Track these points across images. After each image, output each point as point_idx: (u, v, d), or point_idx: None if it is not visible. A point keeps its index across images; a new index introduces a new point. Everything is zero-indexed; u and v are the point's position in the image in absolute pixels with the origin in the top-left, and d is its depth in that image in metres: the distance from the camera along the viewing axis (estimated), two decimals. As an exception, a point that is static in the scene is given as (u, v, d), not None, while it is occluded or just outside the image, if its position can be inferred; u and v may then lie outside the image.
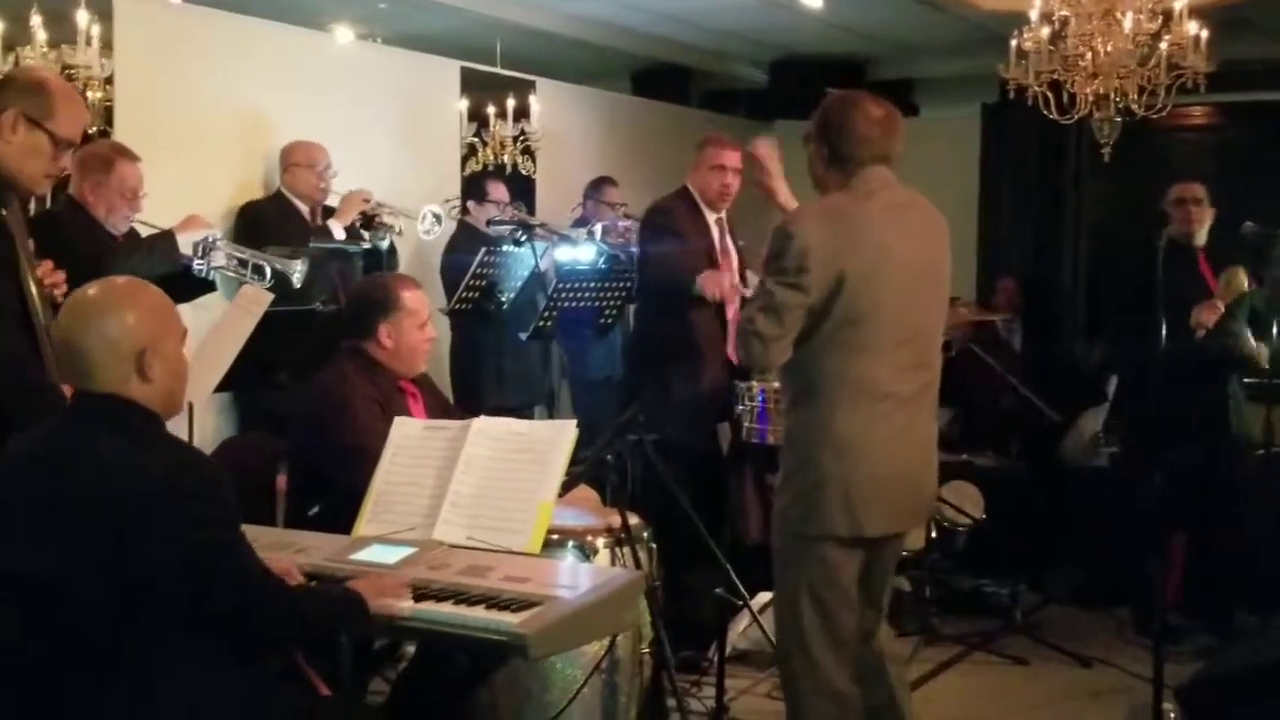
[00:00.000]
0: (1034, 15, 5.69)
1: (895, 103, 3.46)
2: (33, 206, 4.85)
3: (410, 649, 3.87)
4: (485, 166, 7.18)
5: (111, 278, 2.62)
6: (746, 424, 4.93)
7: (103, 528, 2.30)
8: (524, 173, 7.39)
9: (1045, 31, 5.69)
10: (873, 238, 3.21)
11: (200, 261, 4.56)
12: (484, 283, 5.82)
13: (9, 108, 3.04)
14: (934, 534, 5.46)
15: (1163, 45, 5.56)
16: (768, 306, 3.19)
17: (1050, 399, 5.79)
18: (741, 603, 4.36)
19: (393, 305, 3.82)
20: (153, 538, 2.30)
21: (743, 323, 3.26)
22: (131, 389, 2.44)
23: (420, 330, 3.87)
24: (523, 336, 5.77)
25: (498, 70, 7.54)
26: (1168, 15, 5.55)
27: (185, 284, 4.57)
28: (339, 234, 5.60)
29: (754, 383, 4.92)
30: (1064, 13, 5.67)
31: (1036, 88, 5.74)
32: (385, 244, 5.81)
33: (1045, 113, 5.82)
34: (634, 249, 6.17)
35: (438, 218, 5.90)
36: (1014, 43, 5.75)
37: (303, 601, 2.66)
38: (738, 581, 4.28)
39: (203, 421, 4.86)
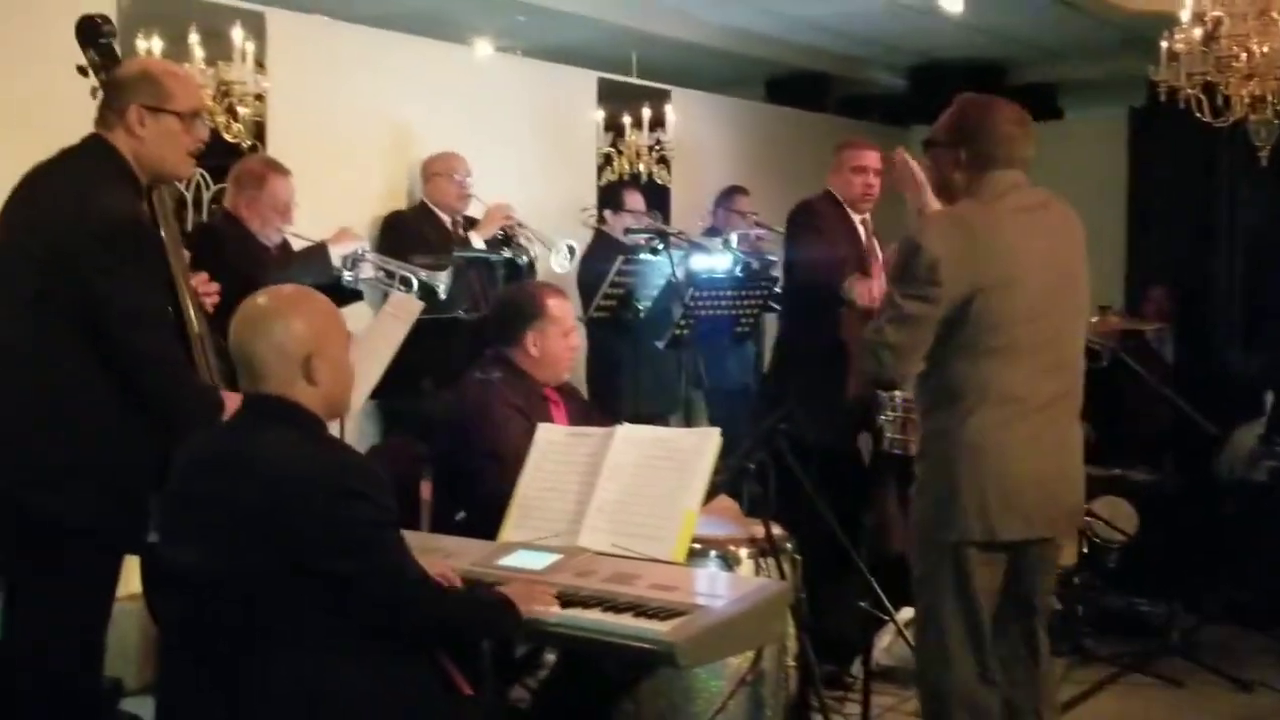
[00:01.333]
0: (1185, 16, 5.52)
1: (1039, 107, 3.40)
2: (189, 218, 5.03)
3: (550, 658, 3.88)
4: (621, 176, 7.22)
5: (279, 286, 2.69)
6: (889, 434, 4.85)
7: (270, 527, 2.36)
8: (659, 182, 7.40)
9: (1197, 33, 5.51)
10: (1004, 244, 3.15)
11: (350, 273, 4.66)
12: (621, 291, 5.83)
13: (129, 106, 3.10)
14: (1085, 550, 5.31)
15: (1323, 45, 5.36)
16: (897, 319, 3.14)
17: (1205, 411, 5.60)
18: (886, 617, 4.29)
19: (539, 313, 3.84)
20: (318, 534, 2.36)
21: (870, 334, 3.21)
22: (298, 392, 2.51)
23: (565, 338, 3.89)
24: (659, 345, 5.77)
25: (633, 80, 7.57)
26: (1328, 14, 5.34)
27: (335, 294, 4.64)
28: (479, 245, 5.66)
29: (897, 394, 4.84)
30: (1216, 13, 5.49)
31: (1189, 90, 5.57)
32: (524, 261, 5.86)
33: (1197, 116, 5.64)
34: (769, 257, 6.13)
35: (572, 250, 5.92)
36: (1164, 44, 5.58)
37: (456, 603, 2.71)
38: (882, 595, 4.21)
39: (348, 427, 4.94)
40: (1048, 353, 3.20)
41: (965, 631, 3.20)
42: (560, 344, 3.87)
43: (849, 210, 5.25)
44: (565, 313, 3.91)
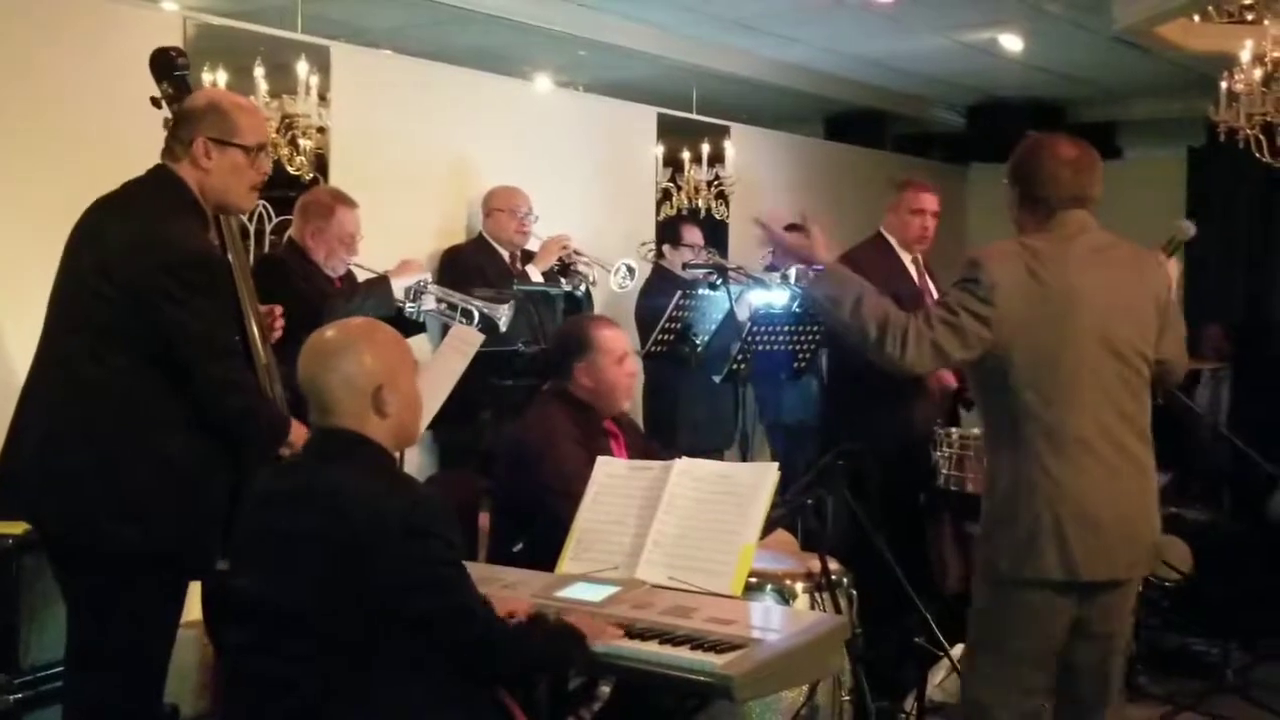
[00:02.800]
0: (1245, 57, 5.52)
1: (1097, 146, 3.38)
2: (251, 250, 5.10)
3: (605, 689, 3.90)
4: (679, 211, 7.25)
5: (348, 319, 2.73)
6: (945, 470, 4.85)
7: (342, 561, 2.38)
8: (717, 217, 7.45)
9: (1258, 73, 5.51)
10: (1064, 283, 3.15)
11: (412, 305, 4.71)
12: (679, 325, 5.85)
13: (196, 138, 3.14)
14: (1140, 589, 5.26)
15: (1381, 85, 5.35)
16: (951, 324, 3.14)
17: (1263, 450, 5.55)
18: (941, 653, 4.29)
19: (587, 345, 3.87)
20: (388, 571, 2.38)
21: (919, 324, 3.16)
22: (368, 425, 2.53)
23: (619, 366, 3.90)
24: (716, 379, 5.79)
25: (693, 116, 7.63)
26: (1385, 55, 5.33)
27: (398, 326, 4.69)
28: (537, 278, 5.72)
29: (954, 430, 4.85)
30: (1277, 54, 5.49)
31: (1248, 130, 5.56)
32: (581, 291, 5.91)
33: (1257, 156, 5.63)
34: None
35: (631, 270, 5.96)
36: (1224, 85, 5.58)
37: (527, 636, 2.70)
38: (937, 631, 4.21)
39: (406, 458, 4.99)
40: (1113, 392, 3.18)
41: (1011, 675, 3.21)
42: (614, 372, 3.89)
43: (900, 251, 5.28)
44: (616, 341, 3.93)
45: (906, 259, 5.30)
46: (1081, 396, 3.15)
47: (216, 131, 3.15)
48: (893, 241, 5.30)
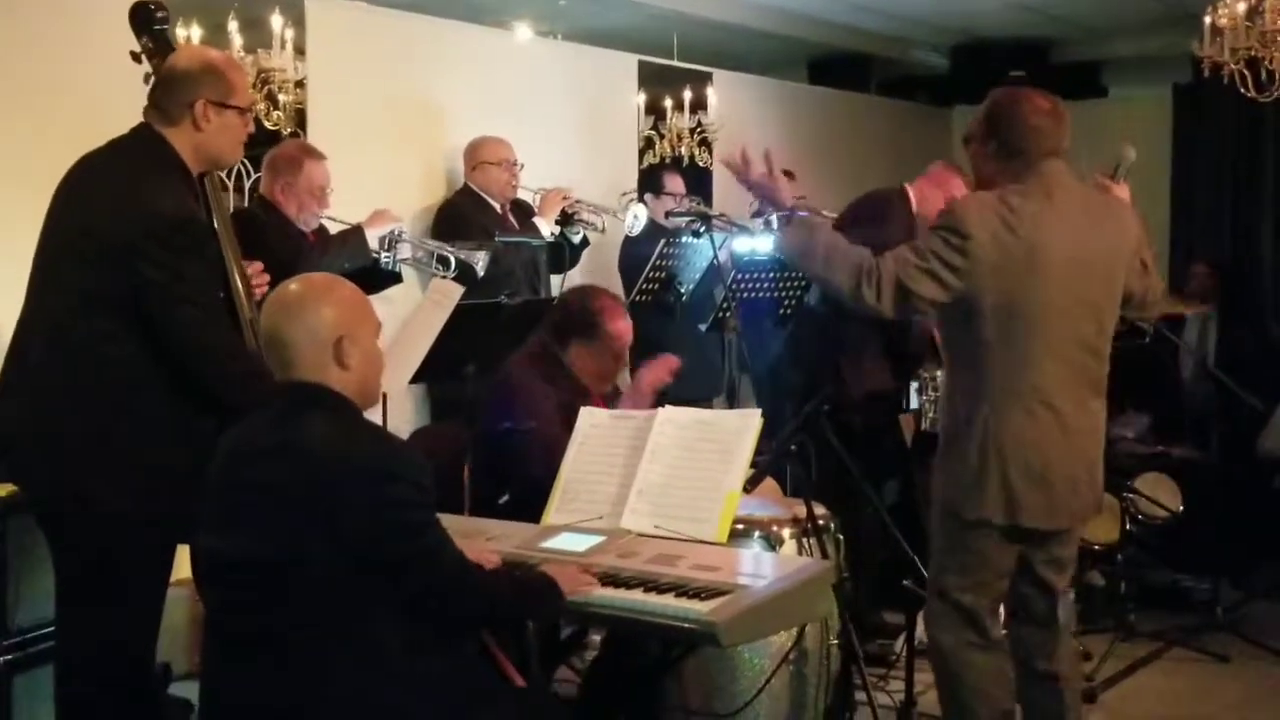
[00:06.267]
0: (1229, -10, 5.47)
1: (1082, 85, 3.41)
2: (230, 206, 5.04)
3: (596, 638, 3.91)
4: (662, 159, 7.20)
5: (309, 274, 2.72)
6: (930, 414, 4.85)
7: (311, 512, 2.38)
8: (701, 164, 7.39)
9: (1241, 7, 5.46)
10: (1037, 239, 3.19)
11: (387, 254, 4.67)
12: (663, 274, 5.83)
13: (197, 101, 3.12)
14: (1129, 528, 5.28)
15: (1368, 17, 5.29)
16: (926, 270, 3.17)
17: (1250, 387, 5.56)
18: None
19: (596, 334, 3.93)
20: (357, 520, 2.37)
21: (893, 265, 3.19)
22: (331, 377, 2.53)
23: (615, 360, 3.98)
24: (702, 328, 5.77)
25: (674, 63, 7.56)
26: (1374, -14, 5.27)
27: (375, 277, 4.70)
28: (545, 231, 5.68)
29: (939, 373, 4.83)
30: (1261, -14, 5.44)
31: (1233, 65, 5.52)
32: (578, 238, 5.88)
33: (1242, 91, 5.59)
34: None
35: (638, 216, 5.94)
36: (1208, 20, 5.54)
37: (497, 583, 2.71)
38: (925, 573, 4.21)
39: (395, 412, 4.98)
40: (1072, 346, 3.25)
41: (967, 605, 3.34)
42: (609, 364, 3.97)
43: (916, 214, 5.26)
44: (625, 338, 3.98)
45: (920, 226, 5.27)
46: (1045, 350, 3.21)
47: (215, 94, 3.14)
48: (914, 203, 5.29)
